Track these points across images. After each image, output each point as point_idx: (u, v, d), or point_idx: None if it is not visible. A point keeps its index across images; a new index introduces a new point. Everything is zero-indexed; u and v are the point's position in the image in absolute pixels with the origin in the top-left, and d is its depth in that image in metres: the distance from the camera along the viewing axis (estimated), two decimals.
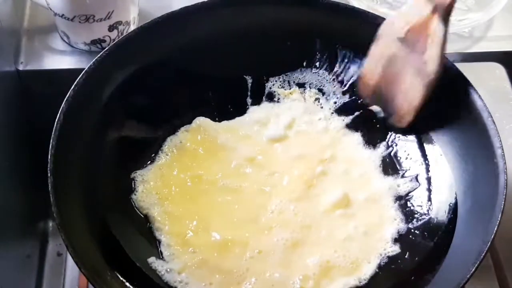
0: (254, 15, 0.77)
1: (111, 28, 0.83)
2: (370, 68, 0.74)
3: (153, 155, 0.73)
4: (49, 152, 0.63)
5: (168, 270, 0.66)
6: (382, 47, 0.72)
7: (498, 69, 0.87)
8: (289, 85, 0.79)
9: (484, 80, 0.83)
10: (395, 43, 0.71)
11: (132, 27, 0.85)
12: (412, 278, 0.66)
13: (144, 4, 0.88)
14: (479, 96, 0.68)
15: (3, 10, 0.82)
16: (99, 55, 0.70)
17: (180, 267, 0.66)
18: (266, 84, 0.79)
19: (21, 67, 0.84)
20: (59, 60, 0.85)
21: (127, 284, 0.62)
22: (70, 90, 0.67)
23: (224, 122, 0.77)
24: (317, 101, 0.79)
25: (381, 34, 0.72)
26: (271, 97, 0.79)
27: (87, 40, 0.84)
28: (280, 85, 0.79)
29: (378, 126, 0.76)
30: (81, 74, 0.68)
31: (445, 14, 0.67)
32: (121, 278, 0.62)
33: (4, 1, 0.83)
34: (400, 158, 0.74)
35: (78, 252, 0.59)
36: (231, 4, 0.76)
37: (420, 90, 0.70)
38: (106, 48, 0.71)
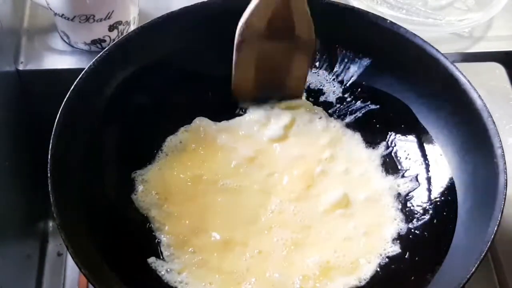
0: None
1: (111, 28, 0.83)
2: (240, 77, 0.74)
3: (153, 155, 0.73)
4: (49, 152, 0.63)
5: (168, 270, 0.66)
6: (247, 52, 0.72)
7: (498, 69, 0.87)
8: None
9: (484, 80, 0.83)
10: (259, 41, 0.70)
11: (132, 27, 0.85)
12: (412, 278, 0.66)
13: (144, 4, 0.88)
14: (479, 96, 0.68)
15: (3, 10, 0.82)
16: (98, 56, 0.70)
17: (180, 267, 0.66)
18: None
19: (21, 67, 0.84)
20: (59, 60, 0.85)
21: (127, 284, 0.62)
22: (70, 91, 0.67)
23: (224, 122, 0.77)
24: (317, 101, 0.79)
25: (242, 41, 0.71)
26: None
27: (87, 40, 0.84)
28: None
29: (378, 126, 0.76)
30: (81, 75, 0.68)
31: None
32: (121, 279, 0.62)
33: (4, 1, 0.83)
34: (400, 158, 0.74)
35: (78, 253, 0.59)
36: (230, 5, 0.76)
37: (306, 62, 0.72)
38: (106, 49, 0.71)
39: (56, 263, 0.84)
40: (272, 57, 0.72)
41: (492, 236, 0.60)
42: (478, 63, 0.87)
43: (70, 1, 0.79)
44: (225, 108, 0.77)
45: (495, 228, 0.60)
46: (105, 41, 0.84)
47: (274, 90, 0.75)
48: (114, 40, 0.84)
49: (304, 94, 0.78)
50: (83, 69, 0.69)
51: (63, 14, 0.81)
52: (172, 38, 0.75)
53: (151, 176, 0.72)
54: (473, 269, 0.58)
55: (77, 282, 0.79)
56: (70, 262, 0.82)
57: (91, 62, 0.69)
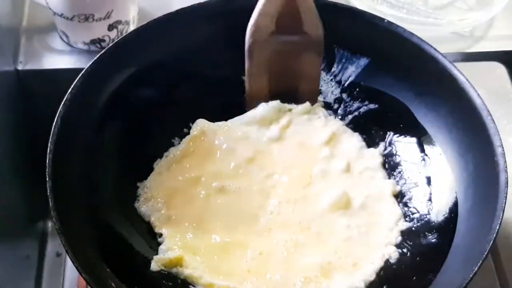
0: (252, 16, 0.77)
1: (110, 27, 0.82)
2: (255, 81, 0.74)
3: (152, 157, 0.73)
4: (47, 156, 0.63)
5: (169, 273, 0.65)
6: (258, 55, 0.72)
7: (499, 69, 0.87)
8: None
9: (485, 80, 0.83)
10: (269, 42, 0.70)
11: (132, 27, 0.85)
12: (414, 278, 0.65)
13: (143, 3, 0.88)
14: (478, 94, 0.68)
15: (2, 10, 0.82)
16: (95, 58, 0.70)
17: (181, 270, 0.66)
18: None
19: (20, 67, 0.84)
20: (58, 59, 0.85)
21: None
22: (67, 94, 0.67)
23: (223, 123, 0.76)
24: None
25: (252, 43, 0.71)
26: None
27: (87, 40, 0.84)
28: None
29: (376, 125, 0.76)
30: (78, 77, 0.68)
31: None
32: (122, 283, 0.62)
33: (3, 0, 0.83)
34: (400, 157, 0.74)
35: (78, 257, 0.59)
36: (228, 5, 0.76)
37: (316, 61, 0.71)
38: (103, 51, 0.71)
39: (55, 263, 0.84)
40: (283, 59, 0.72)
41: (494, 235, 0.60)
42: (479, 62, 0.87)
43: (69, 0, 0.79)
44: (224, 109, 0.77)
45: (497, 227, 0.60)
46: (104, 40, 0.84)
47: (288, 96, 0.75)
48: (113, 39, 0.84)
49: (320, 101, 0.78)
50: (83, 68, 0.69)
51: (62, 14, 0.81)
52: (169, 40, 0.75)
53: (151, 180, 0.71)
54: (476, 269, 0.58)
55: (76, 283, 0.79)
56: (70, 263, 0.82)
57: (88, 65, 0.69)
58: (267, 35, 0.70)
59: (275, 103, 0.76)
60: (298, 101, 0.76)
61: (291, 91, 0.75)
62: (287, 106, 0.77)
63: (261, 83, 0.74)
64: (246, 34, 0.72)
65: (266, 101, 0.76)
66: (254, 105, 0.76)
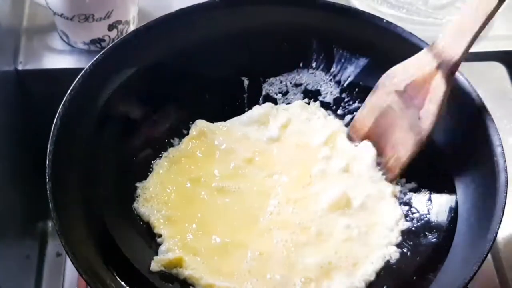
0: (250, 16, 0.77)
1: (110, 27, 0.82)
2: (362, 117, 0.73)
3: (151, 158, 0.73)
4: (47, 157, 0.63)
5: (169, 274, 0.65)
6: (378, 98, 0.72)
7: (499, 69, 0.87)
8: (286, 86, 0.79)
9: (485, 80, 0.83)
10: (392, 95, 0.70)
11: (132, 27, 0.85)
12: (414, 278, 0.66)
13: (143, 3, 0.88)
14: (477, 94, 0.68)
15: (2, 10, 0.82)
16: (95, 59, 0.70)
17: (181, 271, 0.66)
18: (263, 85, 0.79)
19: (20, 67, 0.84)
20: (58, 59, 0.85)
21: None
22: (67, 95, 0.67)
23: (222, 123, 0.76)
24: (315, 101, 0.78)
25: (380, 84, 0.71)
26: (268, 98, 0.79)
27: (87, 40, 0.84)
28: (277, 86, 0.79)
29: None
30: (77, 79, 0.68)
31: (449, 72, 0.66)
32: (122, 283, 0.62)
33: (3, 0, 0.83)
34: None
35: (78, 258, 0.59)
36: (228, 6, 0.76)
37: (410, 146, 0.69)
38: (102, 52, 0.70)
39: (55, 263, 0.84)
40: (392, 118, 0.70)
41: (494, 235, 0.60)
42: (479, 62, 0.87)
43: (69, 0, 0.79)
44: (223, 109, 0.77)
45: (497, 227, 0.60)
46: (104, 40, 0.84)
47: (377, 147, 0.73)
48: (113, 39, 0.84)
49: (397, 185, 0.73)
50: (83, 68, 0.69)
51: (62, 14, 0.81)
52: (168, 40, 0.74)
53: (150, 180, 0.71)
54: (477, 268, 0.58)
55: (76, 283, 0.79)
56: (70, 263, 0.82)
57: (87, 66, 0.69)
58: (392, 88, 0.69)
59: (269, 104, 0.77)
60: (382, 159, 0.73)
61: (380, 149, 0.73)
62: (281, 107, 0.78)
63: (366, 121, 0.73)
64: (384, 74, 0.71)
65: (360, 138, 0.74)
66: (353, 132, 0.75)
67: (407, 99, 0.68)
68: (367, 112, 0.73)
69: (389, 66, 0.74)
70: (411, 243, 0.68)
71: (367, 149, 0.74)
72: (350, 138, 0.75)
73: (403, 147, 0.70)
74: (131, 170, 0.72)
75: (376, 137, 0.73)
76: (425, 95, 0.67)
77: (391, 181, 0.72)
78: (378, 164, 0.73)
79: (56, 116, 0.65)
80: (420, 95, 0.67)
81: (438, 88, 0.66)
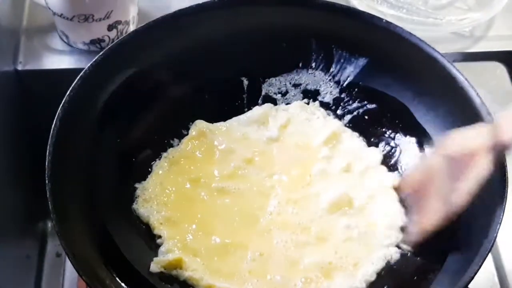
0: (250, 17, 0.77)
1: (110, 27, 0.82)
2: (412, 172, 0.71)
3: (151, 158, 0.73)
4: (46, 158, 0.63)
5: (169, 275, 0.65)
6: (432, 159, 0.69)
7: (499, 69, 0.87)
8: (285, 86, 0.79)
9: (485, 80, 0.83)
10: (441, 161, 0.66)
11: (132, 27, 0.85)
12: (415, 278, 0.66)
13: (143, 3, 0.88)
14: (477, 93, 0.68)
15: (2, 10, 0.82)
16: (94, 59, 0.70)
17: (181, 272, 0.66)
18: (262, 86, 0.79)
19: (20, 67, 0.84)
20: (58, 60, 0.85)
21: None
22: (66, 96, 0.67)
23: (222, 124, 0.76)
24: (314, 101, 0.78)
25: (441, 145, 0.68)
26: (268, 98, 0.79)
27: (86, 40, 0.84)
28: (277, 86, 0.79)
29: (375, 125, 0.76)
30: (76, 79, 0.68)
31: (498, 155, 0.63)
32: (122, 285, 0.62)
33: (3, 0, 0.83)
34: (399, 156, 0.74)
35: (78, 259, 0.59)
36: (227, 6, 0.76)
37: (438, 215, 0.65)
38: (102, 52, 0.70)
39: (55, 263, 0.84)
40: (431, 181, 0.67)
41: (494, 235, 0.60)
42: (479, 62, 0.87)
43: (69, 0, 0.79)
44: (223, 109, 0.77)
45: (497, 227, 0.60)
46: (104, 41, 0.84)
47: (411, 210, 0.70)
48: (113, 40, 0.84)
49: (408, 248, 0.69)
50: (82, 69, 0.69)
51: (62, 14, 0.80)
52: (167, 41, 0.74)
53: (149, 181, 0.71)
54: (477, 268, 0.58)
55: (76, 283, 0.79)
56: (69, 263, 0.81)
57: (86, 67, 0.69)
58: (447, 154, 0.66)
59: (268, 104, 0.77)
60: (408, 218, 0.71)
61: (411, 211, 0.70)
62: (280, 107, 0.78)
63: (415, 175, 0.70)
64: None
65: (404, 189, 0.72)
66: (404, 188, 0.72)
67: (451, 167, 0.65)
68: (416, 168, 0.71)
69: (389, 66, 0.75)
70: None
71: (373, 152, 0.74)
72: (400, 189, 0.72)
73: (432, 213, 0.66)
74: (131, 171, 0.72)
75: (415, 196, 0.70)
76: (467, 168, 0.63)
77: (409, 245, 0.68)
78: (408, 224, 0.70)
79: (56, 117, 0.65)
80: (462, 167, 0.64)
81: (483, 168, 0.63)
